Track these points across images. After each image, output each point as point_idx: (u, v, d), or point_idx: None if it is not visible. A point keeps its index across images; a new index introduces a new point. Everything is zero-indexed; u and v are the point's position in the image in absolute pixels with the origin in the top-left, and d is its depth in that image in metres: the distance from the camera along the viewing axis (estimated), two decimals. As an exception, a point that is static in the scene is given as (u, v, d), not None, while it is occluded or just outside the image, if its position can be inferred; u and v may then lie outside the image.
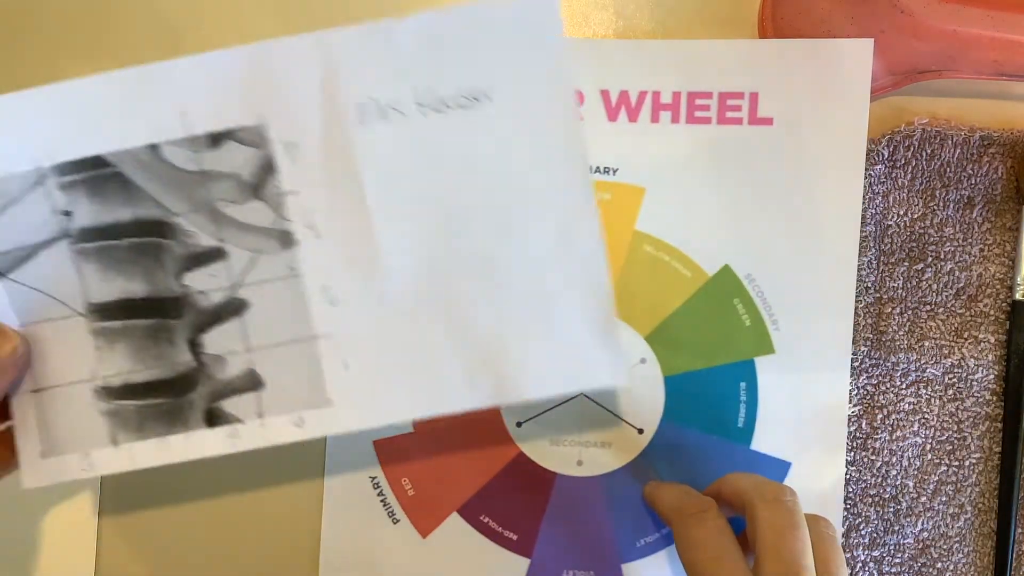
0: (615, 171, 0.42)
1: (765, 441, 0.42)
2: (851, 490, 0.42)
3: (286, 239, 0.36)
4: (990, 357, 0.42)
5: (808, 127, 0.42)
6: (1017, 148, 0.42)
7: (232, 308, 0.36)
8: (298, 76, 0.35)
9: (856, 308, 0.42)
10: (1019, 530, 0.42)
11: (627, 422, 0.42)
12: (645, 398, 0.42)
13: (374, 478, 0.42)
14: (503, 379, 0.36)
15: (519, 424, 0.43)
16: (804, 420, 0.42)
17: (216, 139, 0.35)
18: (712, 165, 0.42)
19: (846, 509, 0.42)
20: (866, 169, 0.42)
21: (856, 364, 0.42)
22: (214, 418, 0.36)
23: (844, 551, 0.42)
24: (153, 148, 0.35)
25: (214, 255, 0.36)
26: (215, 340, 0.36)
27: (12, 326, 0.35)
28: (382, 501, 0.43)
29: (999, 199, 0.42)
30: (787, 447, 0.42)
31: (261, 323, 0.36)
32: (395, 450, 0.43)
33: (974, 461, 0.42)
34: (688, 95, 0.42)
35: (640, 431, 0.42)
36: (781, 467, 0.42)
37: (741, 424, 0.42)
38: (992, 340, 0.42)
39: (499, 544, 0.42)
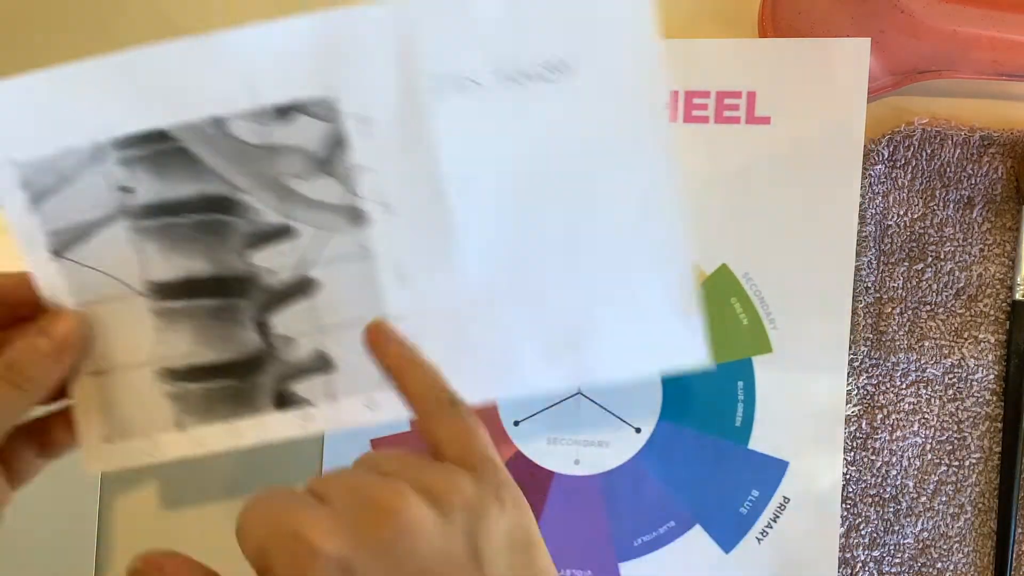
0: (614, 171, 0.42)
1: (762, 440, 0.42)
2: (851, 490, 0.42)
3: (357, 216, 0.34)
4: (990, 357, 0.42)
5: (806, 126, 0.42)
6: (1017, 148, 0.42)
7: (301, 288, 0.34)
8: (373, 46, 0.33)
9: (856, 308, 0.42)
10: (1019, 530, 0.41)
11: (625, 421, 0.42)
12: (643, 397, 0.42)
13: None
14: (582, 358, 0.35)
15: (516, 423, 0.43)
16: (802, 419, 0.42)
17: (284, 112, 0.33)
18: (709, 164, 0.42)
19: (846, 509, 0.42)
20: (866, 169, 0.42)
21: (856, 364, 0.42)
22: (284, 401, 0.35)
23: (844, 551, 0.42)
24: (218, 121, 0.33)
25: (282, 233, 0.34)
26: (284, 320, 0.35)
27: (68, 305, 0.33)
28: (381, 499, 0.43)
29: (999, 199, 0.42)
30: (785, 446, 0.42)
31: (331, 303, 0.34)
32: (392, 449, 0.43)
33: (974, 461, 0.42)
34: (686, 94, 0.42)
35: (638, 430, 0.42)
36: (779, 466, 0.42)
37: (738, 423, 0.42)
38: (992, 340, 0.42)
39: (498, 543, 0.42)
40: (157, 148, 0.33)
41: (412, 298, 0.34)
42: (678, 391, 0.42)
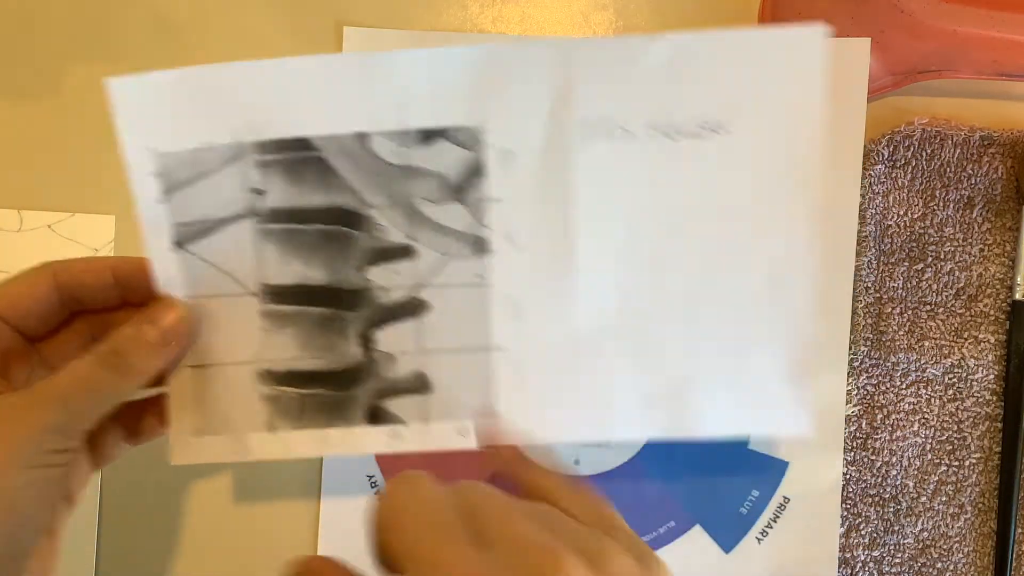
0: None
1: (762, 440, 0.42)
2: (851, 490, 0.42)
3: (480, 246, 0.34)
4: (990, 357, 0.42)
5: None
6: (1017, 148, 0.42)
7: (411, 308, 0.35)
8: (530, 83, 0.33)
9: (856, 308, 0.42)
10: (1019, 530, 0.41)
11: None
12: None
13: (371, 477, 0.43)
14: (680, 414, 0.35)
15: (517, 423, 0.43)
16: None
17: (428, 136, 0.33)
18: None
19: (846, 509, 0.42)
20: (866, 169, 0.42)
21: (856, 364, 0.42)
22: (377, 416, 0.35)
23: (844, 551, 0.42)
24: (362, 137, 0.33)
25: (402, 252, 0.34)
26: (388, 338, 0.35)
27: (179, 297, 0.33)
28: (381, 500, 0.43)
29: (999, 199, 0.42)
30: (785, 447, 0.42)
31: (438, 327, 0.34)
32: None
33: (974, 461, 0.42)
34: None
35: (639, 430, 0.42)
36: (779, 466, 0.42)
37: (739, 423, 0.42)
38: (992, 340, 0.42)
39: (498, 543, 0.42)
40: (296, 155, 0.33)
41: (520, 331, 0.34)
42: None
